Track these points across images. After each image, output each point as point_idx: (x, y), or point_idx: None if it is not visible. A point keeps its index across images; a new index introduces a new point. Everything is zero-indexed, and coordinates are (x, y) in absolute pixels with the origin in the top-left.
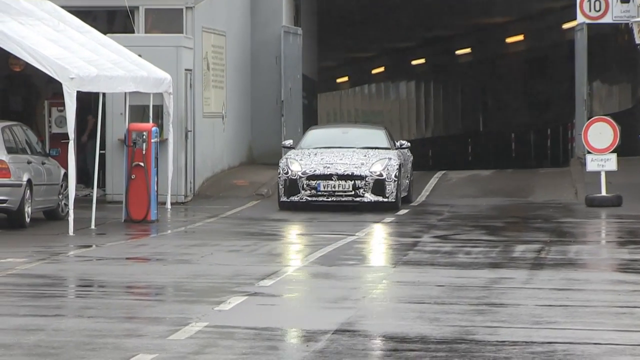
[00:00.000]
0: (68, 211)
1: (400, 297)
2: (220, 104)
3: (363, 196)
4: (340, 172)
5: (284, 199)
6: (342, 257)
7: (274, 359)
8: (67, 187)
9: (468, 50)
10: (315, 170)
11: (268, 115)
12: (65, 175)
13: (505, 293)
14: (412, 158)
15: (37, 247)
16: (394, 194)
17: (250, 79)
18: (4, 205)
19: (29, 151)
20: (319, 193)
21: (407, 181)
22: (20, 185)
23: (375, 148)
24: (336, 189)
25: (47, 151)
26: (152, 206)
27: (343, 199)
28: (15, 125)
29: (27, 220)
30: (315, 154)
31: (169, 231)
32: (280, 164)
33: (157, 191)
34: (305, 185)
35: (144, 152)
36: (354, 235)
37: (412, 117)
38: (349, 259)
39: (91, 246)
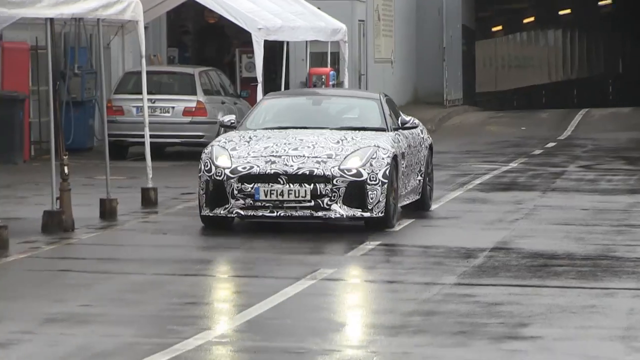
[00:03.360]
0: None
1: (549, 220)
2: (389, 51)
3: (329, 208)
4: (291, 171)
5: (205, 212)
6: (497, 185)
7: (439, 273)
8: None
9: (609, 0)
10: (252, 167)
11: (431, 60)
12: None
13: None
14: (429, 141)
15: None
16: (382, 204)
17: (415, 28)
18: (202, 140)
19: (222, 93)
20: (258, 204)
21: (417, 179)
22: (215, 123)
23: (360, 129)
24: (285, 197)
25: (239, 93)
26: None
27: (296, 212)
28: (210, 70)
29: None
30: (259, 139)
31: None
32: (203, 156)
33: None
34: (236, 191)
35: None
36: (507, 165)
37: (558, 61)
38: (504, 186)
39: None
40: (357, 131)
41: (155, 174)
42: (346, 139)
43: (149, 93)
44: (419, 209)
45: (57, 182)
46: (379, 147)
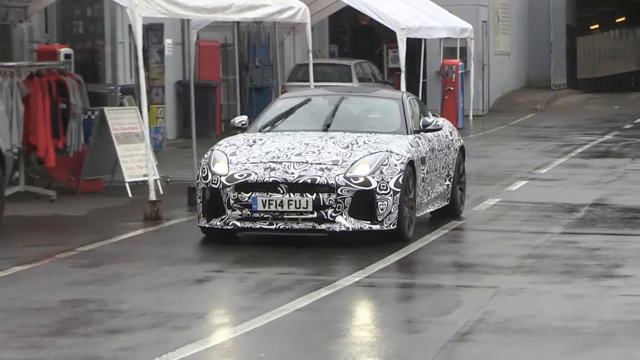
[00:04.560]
0: None
1: (637, 181)
2: (507, 45)
3: (333, 220)
4: (291, 179)
5: (202, 222)
6: (595, 153)
7: (548, 224)
8: None
9: None
10: (249, 175)
11: (540, 52)
12: None
13: None
14: (460, 143)
15: None
16: (394, 215)
17: (528, 26)
18: None
19: (373, 80)
20: (256, 215)
21: (445, 184)
22: None
23: (377, 131)
24: (285, 207)
25: (386, 80)
26: (459, 117)
27: (297, 225)
28: (363, 62)
29: None
30: (263, 143)
31: (471, 135)
32: (202, 161)
33: (462, 107)
34: (232, 201)
35: (453, 80)
36: (603, 137)
37: None
38: (600, 154)
39: None
40: (372, 134)
41: None
42: (357, 143)
43: (314, 81)
44: (449, 215)
45: None
46: (391, 152)
